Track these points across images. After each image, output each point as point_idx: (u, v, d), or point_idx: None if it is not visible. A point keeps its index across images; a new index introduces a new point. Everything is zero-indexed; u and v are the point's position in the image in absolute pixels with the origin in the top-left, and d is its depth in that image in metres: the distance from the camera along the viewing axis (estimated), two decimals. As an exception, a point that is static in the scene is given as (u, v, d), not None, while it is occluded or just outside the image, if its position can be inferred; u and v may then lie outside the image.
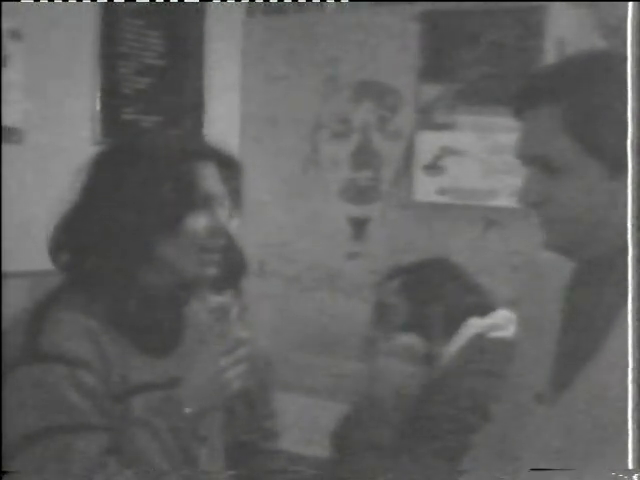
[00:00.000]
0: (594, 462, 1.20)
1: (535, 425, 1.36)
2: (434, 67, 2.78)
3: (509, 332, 1.83)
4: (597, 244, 1.32)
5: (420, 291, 2.03)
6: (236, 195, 1.57)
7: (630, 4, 1.18)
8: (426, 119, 2.81)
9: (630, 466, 1.14)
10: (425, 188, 2.83)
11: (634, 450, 1.13)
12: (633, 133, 1.19)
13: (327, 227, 3.06)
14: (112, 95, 2.85)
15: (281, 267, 3.18)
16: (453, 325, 1.90)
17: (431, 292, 2.01)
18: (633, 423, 1.14)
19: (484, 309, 1.92)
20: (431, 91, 2.80)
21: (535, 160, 1.31)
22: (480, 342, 1.87)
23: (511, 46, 2.58)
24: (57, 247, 1.51)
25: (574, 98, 1.27)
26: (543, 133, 1.29)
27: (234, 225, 1.62)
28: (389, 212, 2.94)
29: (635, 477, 1.14)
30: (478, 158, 2.69)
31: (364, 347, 2.05)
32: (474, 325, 1.90)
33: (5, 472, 1.35)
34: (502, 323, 1.89)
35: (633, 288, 1.18)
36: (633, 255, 1.19)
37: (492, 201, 2.68)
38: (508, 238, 2.54)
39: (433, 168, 2.79)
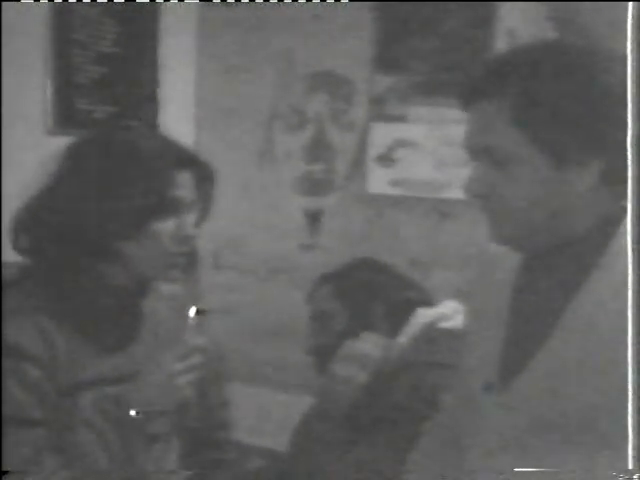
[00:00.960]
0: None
1: (484, 414, 1.37)
2: (387, 58, 2.78)
3: (458, 322, 1.84)
4: (543, 235, 1.33)
5: (355, 293, 2.04)
6: (207, 202, 1.57)
7: (630, 4, 1.18)
8: (379, 111, 2.82)
9: (630, 466, 1.14)
10: (378, 180, 2.83)
11: (634, 450, 1.14)
12: (633, 133, 1.19)
13: (282, 219, 3.06)
14: (65, 84, 2.82)
15: (236, 259, 3.17)
16: (397, 320, 1.91)
17: (366, 292, 2.02)
18: (633, 423, 1.14)
19: (425, 302, 1.93)
20: (384, 82, 2.80)
21: (482, 152, 1.31)
22: (430, 332, 1.87)
23: (463, 37, 2.59)
24: (18, 229, 1.50)
25: (522, 89, 1.27)
26: (490, 124, 1.29)
27: (200, 232, 1.61)
28: (343, 204, 2.94)
29: (635, 477, 1.15)
30: (430, 150, 2.70)
31: (314, 360, 2.06)
32: (423, 315, 1.91)
33: (5, 472, 1.34)
34: (450, 313, 1.90)
35: (633, 288, 1.19)
36: (633, 255, 1.19)
37: (444, 193, 2.69)
38: (460, 230, 2.55)
39: (386, 160, 2.79)
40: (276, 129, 3.06)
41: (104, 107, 2.93)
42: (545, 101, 1.26)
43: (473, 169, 1.33)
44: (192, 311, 1.50)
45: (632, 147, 1.19)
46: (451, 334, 1.83)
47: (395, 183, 2.80)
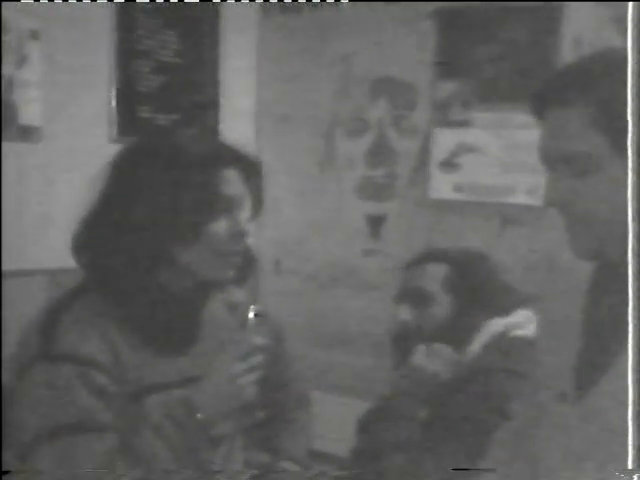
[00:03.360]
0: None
1: (557, 425, 1.36)
2: (450, 64, 2.77)
3: (530, 331, 1.82)
4: (620, 244, 1.31)
5: (465, 287, 1.99)
6: (258, 196, 1.57)
7: (630, 4, 1.17)
8: (442, 116, 2.81)
9: (630, 466, 1.13)
10: (441, 185, 2.82)
11: (634, 450, 1.13)
12: (633, 133, 1.18)
13: (343, 225, 3.06)
14: (128, 93, 2.86)
15: (298, 265, 3.18)
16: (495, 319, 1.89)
17: (475, 289, 1.96)
18: (633, 423, 1.13)
19: (510, 308, 1.91)
20: (447, 88, 2.80)
21: (561, 159, 1.30)
22: (502, 341, 1.86)
23: (527, 43, 2.57)
24: (79, 245, 1.51)
25: (603, 96, 1.26)
26: (571, 132, 1.28)
27: (254, 227, 1.62)
28: (405, 209, 2.93)
29: (635, 477, 1.13)
30: (494, 155, 2.68)
31: (398, 342, 2.02)
32: (495, 324, 1.89)
33: (5, 472, 1.36)
34: (523, 322, 1.88)
35: (633, 288, 1.17)
36: (633, 255, 1.18)
37: (508, 198, 2.67)
38: (524, 236, 2.53)
39: (449, 165, 2.78)
40: (337, 135, 3.06)
41: (166, 115, 2.97)
42: (624, 106, 1.25)
43: (550, 177, 1.32)
44: (252, 312, 1.52)
45: (632, 147, 1.18)
46: (523, 343, 1.82)
47: (458, 188, 2.79)
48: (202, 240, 1.48)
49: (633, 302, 1.17)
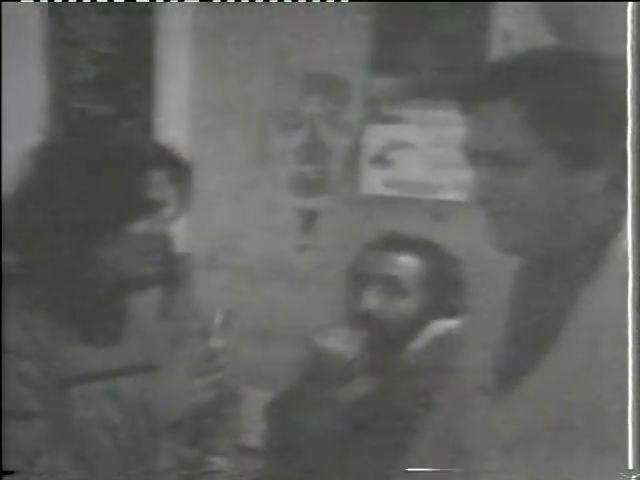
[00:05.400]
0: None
1: (481, 418, 1.37)
2: (383, 60, 2.78)
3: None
4: (552, 240, 1.32)
5: (438, 284, 1.98)
6: (184, 198, 1.57)
7: (630, 4, 1.19)
8: (374, 112, 2.82)
9: (630, 466, 1.15)
10: (373, 181, 2.83)
11: (634, 450, 1.14)
12: (633, 133, 1.20)
13: (277, 220, 3.06)
14: (61, 83, 2.82)
15: (231, 260, 3.17)
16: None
17: (445, 288, 1.96)
18: (633, 423, 1.15)
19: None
20: (379, 84, 2.81)
21: (485, 155, 1.31)
22: (444, 340, 1.87)
23: (458, 40, 2.59)
24: (1, 236, 1.50)
25: (533, 92, 1.27)
26: (499, 127, 1.29)
27: (177, 227, 1.62)
28: (338, 205, 2.94)
29: (635, 477, 1.15)
30: (424, 151, 2.71)
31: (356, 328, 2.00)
32: (442, 323, 1.90)
33: (5, 472, 1.34)
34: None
35: (633, 288, 1.19)
36: (633, 255, 1.19)
37: (438, 195, 2.70)
38: (453, 232, 2.55)
39: (380, 161, 2.80)
40: (271, 129, 3.06)
41: (99, 106, 2.93)
42: (555, 104, 1.26)
43: (476, 173, 1.33)
44: (218, 314, 1.53)
45: (632, 147, 1.19)
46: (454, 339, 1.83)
47: (389, 184, 2.80)
48: (122, 239, 1.48)
49: (633, 302, 1.18)
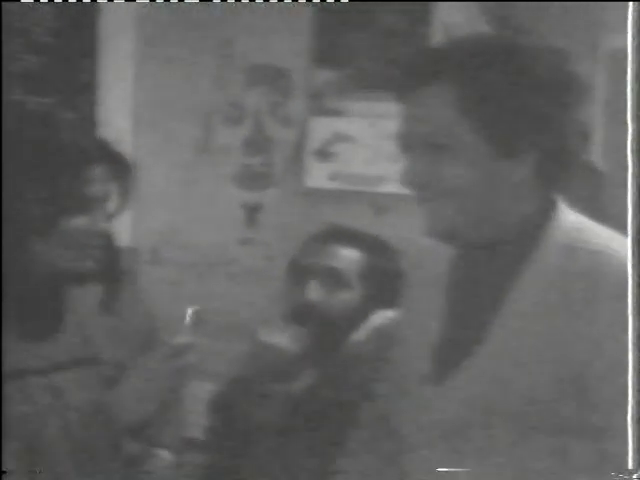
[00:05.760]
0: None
1: (421, 406, 1.38)
2: (326, 52, 2.79)
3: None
4: (483, 228, 1.33)
5: (379, 277, 1.99)
6: (125, 195, 1.56)
7: (630, 4, 1.19)
8: (318, 105, 2.83)
9: (630, 466, 1.16)
10: (317, 174, 2.84)
11: (634, 450, 1.15)
12: (633, 133, 1.21)
13: (221, 213, 3.05)
14: (-3, 74, 2.77)
15: (175, 254, 3.15)
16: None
17: (386, 281, 1.96)
18: (633, 423, 1.16)
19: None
20: (322, 76, 2.82)
21: (418, 141, 1.31)
22: (386, 331, 1.88)
23: (400, 32, 2.61)
24: None
25: (465, 78, 1.28)
26: (429, 111, 1.29)
27: (121, 222, 1.61)
28: (281, 198, 2.95)
29: (635, 477, 1.16)
30: (367, 144, 2.72)
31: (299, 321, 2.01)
32: (384, 314, 1.90)
33: (5, 472, 1.32)
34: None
35: (633, 288, 1.20)
36: (633, 255, 1.21)
37: (381, 187, 2.71)
38: (395, 224, 2.56)
39: (324, 154, 2.81)
40: (214, 122, 3.05)
41: (40, 98, 2.89)
42: (487, 91, 1.27)
43: (409, 159, 1.33)
44: (189, 310, 1.52)
45: (632, 147, 1.21)
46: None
47: (333, 177, 2.81)
48: (60, 234, 1.47)
49: (633, 302, 1.19)
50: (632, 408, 1.16)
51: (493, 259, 1.35)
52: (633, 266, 1.20)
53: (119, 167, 1.54)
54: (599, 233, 1.33)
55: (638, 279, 1.19)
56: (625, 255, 1.24)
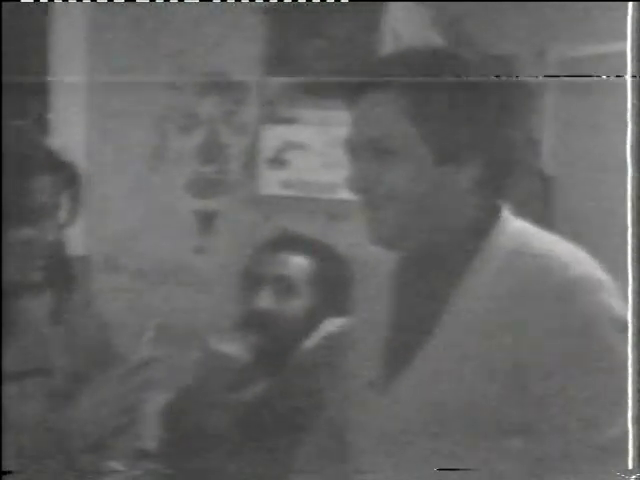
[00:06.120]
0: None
1: (368, 412, 1.39)
2: (277, 60, 2.80)
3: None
4: (427, 234, 1.34)
5: (327, 284, 1.99)
6: (74, 205, 1.55)
7: (630, 4, 1.20)
8: (270, 113, 2.84)
9: (630, 466, 1.16)
10: (270, 182, 2.85)
11: (634, 450, 1.16)
12: (633, 134, 1.21)
13: (174, 221, 3.04)
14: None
15: (128, 262, 3.14)
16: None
17: (335, 287, 1.96)
18: (633, 423, 1.17)
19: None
20: (274, 84, 2.82)
21: (365, 146, 1.32)
22: (336, 339, 1.88)
23: (351, 40, 2.63)
24: None
25: (412, 86, 1.29)
26: (376, 116, 1.31)
27: (74, 230, 1.59)
28: (235, 206, 2.95)
29: (635, 477, 1.17)
30: (319, 152, 2.74)
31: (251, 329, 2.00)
32: (334, 322, 1.91)
33: (5, 472, 1.30)
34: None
35: (633, 287, 1.21)
36: (633, 255, 1.21)
37: (334, 194, 2.73)
38: (347, 231, 2.58)
39: (277, 162, 2.82)
40: (168, 130, 3.04)
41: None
42: (432, 99, 1.29)
43: (355, 165, 1.34)
44: (152, 324, 1.51)
45: (631, 149, 1.21)
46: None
47: (286, 185, 2.82)
48: (5, 245, 1.45)
49: (633, 303, 1.20)
50: (632, 408, 1.17)
51: (438, 265, 1.36)
52: (633, 266, 1.21)
53: (69, 176, 1.52)
54: (542, 238, 1.34)
55: (638, 279, 1.21)
56: (567, 259, 1.27)
